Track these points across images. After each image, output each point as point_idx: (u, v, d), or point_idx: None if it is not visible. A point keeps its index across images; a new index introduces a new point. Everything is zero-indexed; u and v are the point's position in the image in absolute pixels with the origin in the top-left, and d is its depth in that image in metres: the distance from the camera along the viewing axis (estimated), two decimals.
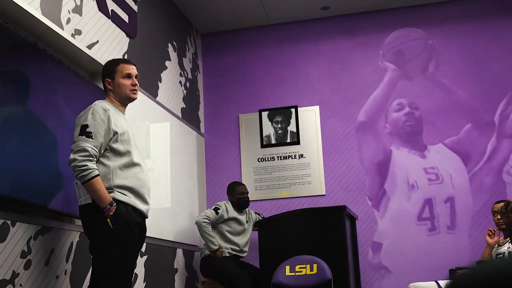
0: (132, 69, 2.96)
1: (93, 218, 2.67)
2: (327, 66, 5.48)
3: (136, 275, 3.81)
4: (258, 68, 5.62)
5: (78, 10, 3.42)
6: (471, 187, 4.95)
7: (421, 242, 4.91)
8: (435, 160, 5.06)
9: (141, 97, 4.05)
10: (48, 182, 2.94)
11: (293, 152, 5.34)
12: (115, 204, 2.67)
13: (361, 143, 5.24)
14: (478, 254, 4.74)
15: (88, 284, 2.89)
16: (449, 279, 3.61)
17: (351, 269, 4.24)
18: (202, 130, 5.54)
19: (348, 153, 5.24)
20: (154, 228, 4.04)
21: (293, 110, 5.41)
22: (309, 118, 5.38)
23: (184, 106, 5.12)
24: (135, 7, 4.24)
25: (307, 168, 5.27)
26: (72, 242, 3.13)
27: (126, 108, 3.02)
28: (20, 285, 2.68)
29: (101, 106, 2.77)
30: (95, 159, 2.68)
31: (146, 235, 2.94)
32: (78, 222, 3.34)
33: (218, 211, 4.52)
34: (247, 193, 4.73)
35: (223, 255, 4.46)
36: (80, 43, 3.39)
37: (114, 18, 3.87)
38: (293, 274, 3.87)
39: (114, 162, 2.75)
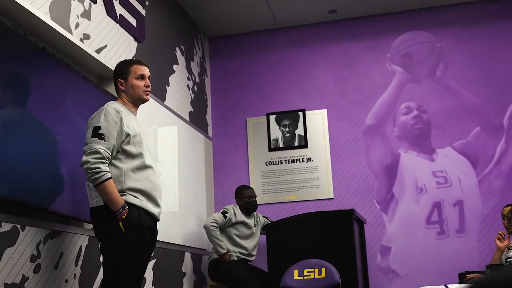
0: (146, 70, 2.95)
1: (105, 220, 2.65)
2: (335, 70, 5.48)
3: (145, 279, 3.81)
4: (265, 72, 5.62)
5: (86, 14, 3.44)
6: (480, 191, 4.93)
7: (430, 246, 4.89)
8: (444, 163, 5.04)
9: (149, 101, 4.04)
10: (57, 186, 2.95)
11: (301, 156, 5.33)
12: (127, 207, 2.64)
13: (369, 146, 5.22)
14: (488, 258, 4.71)
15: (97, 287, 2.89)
16: (461, 282, 3.59)
17: (360, 273, 4.23)
18: (210, 134, 5.54)
19: (356, 156, 5.22)
20: (163, 232, 4.04)
21: (300, 113, 5.41)
22: (317, 122, 5.38)
23: (192, 110, 5.13)
24: (143, 12, 4.26)
25: (315, 172, 5.27)
26: (81, 246, 3.14)
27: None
28: None
29: (113, 107, 2.75)
30: (108, 161, 2.66)
31: None
32: (87, 226, 3.35)
33: (226, 214, 4.52)
34: (255, 196, 4.72)
35: (231, 258, 4.45)
36: (88, 47, 3.40)
37: (122, 22, 3.89)
38: (302, 278, 3.86)
39: (126, 165, 2.72)
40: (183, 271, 4.51)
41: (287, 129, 5.41)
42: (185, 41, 5.16)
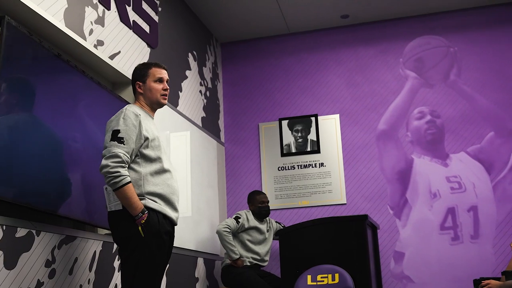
0: (164, 74, 2.93)
1: (123, 225, 2.63)
2: (347, 75, 5.47)
3: None
4: (278, 77, 5.63)
5: (100, 21, 3.46)
6: (494, 196, 4.88)
7: (444, 252, 4.85)
8: (458, 168, 5.00)
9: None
10: (70, 192, 2.96)
11: (313, 161, 5.32)
12: (146, 212, 2.63)
13: (382, 151, 5.20)
14: (503, 264, 4.66)
15: None
16: None
17: (373, 278, 4.20)
18: (222, 139, 5.55)
19: (369, 161, 5.20)
20: (176, 237, 4.03)
21: (313, 118, 5.40)
22: (330, 127, 5.37)
23: (204, 115, 5.14)
24: (156, 18, 4.28)
25: (328, 177, 5.25)
26: (95, 251, 3.15)
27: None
28: None
29: (132, 111, 2.73)
30: (127, 165, 2.65)
31: None
32: (101, 231, 3.37)
33: (239, 220, 4.52)
34: (268, 202, 4.72)
35: (244, 264, 4.45)
36: (102, 53, 3.43)
37: (135, 28, 3.91)
38: (315, 283, 3.85)
39: (145, 169, 2.71)
40: (196, 277, 4.52)
41: (299, 134, 5.41)
42: (198, 46, 5.17)
